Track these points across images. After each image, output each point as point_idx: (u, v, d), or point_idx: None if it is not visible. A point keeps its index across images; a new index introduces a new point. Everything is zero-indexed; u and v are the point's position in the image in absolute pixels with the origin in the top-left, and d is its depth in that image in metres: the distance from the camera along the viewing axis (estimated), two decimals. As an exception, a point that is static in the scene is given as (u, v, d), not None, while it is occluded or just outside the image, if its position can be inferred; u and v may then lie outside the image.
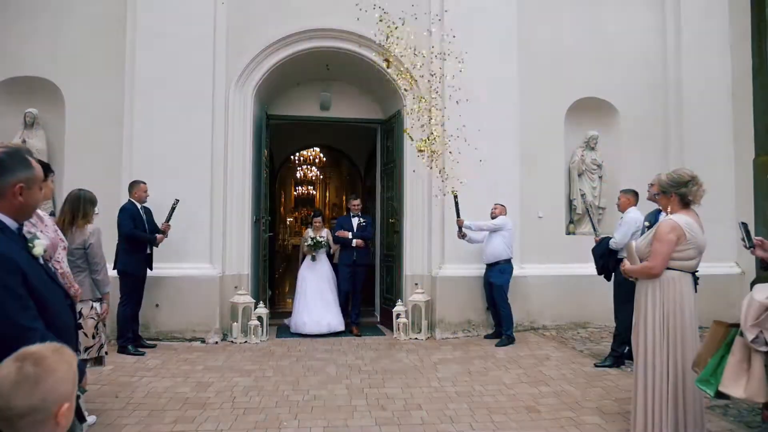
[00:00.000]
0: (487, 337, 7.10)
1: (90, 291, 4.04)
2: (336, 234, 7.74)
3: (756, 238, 3.42)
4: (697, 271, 3.71)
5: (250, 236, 7.46)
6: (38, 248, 1.96)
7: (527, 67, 7.70)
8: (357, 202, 8.02)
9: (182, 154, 6.90)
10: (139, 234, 6.31)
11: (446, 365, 5.82)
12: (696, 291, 3.69)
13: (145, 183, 6.54)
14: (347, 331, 7.41)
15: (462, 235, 7.05)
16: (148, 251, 6.49)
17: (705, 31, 8.20)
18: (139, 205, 6.46)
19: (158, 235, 6.47)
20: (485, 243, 7.02)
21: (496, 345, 6.70)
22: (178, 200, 6.50)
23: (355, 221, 7.78)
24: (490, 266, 7.00)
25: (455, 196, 6.84)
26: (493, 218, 7.05)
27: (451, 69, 7.40)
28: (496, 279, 6.91)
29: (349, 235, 7.62)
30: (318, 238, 7.71)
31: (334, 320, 7.38)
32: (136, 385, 4.99)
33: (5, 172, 1.87)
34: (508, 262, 6.94)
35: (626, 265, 3.77)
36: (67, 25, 7.18)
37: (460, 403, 4.59)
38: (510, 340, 6.77)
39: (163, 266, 6.71)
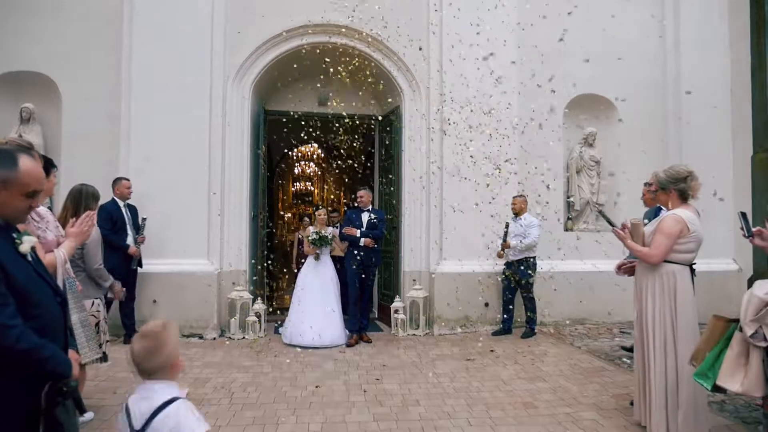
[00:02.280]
0: (494, 334, 7.06)
1: (91, 289, 4.02)
2: (343, 231, 6.90)
3: (755, 228, 3.43)
4: (694, 263, 3.76)
5: (248, 232, 7.45)
6: (25, 245, 1.93)
7: (526, 63, 7.69)
8: (363, 193, 6.98)
9: (180, 149, 6.88)
10: (112, 238, 6.11)
11: (444, 361, 5.83)
12: (693, 283, 3.75)
13: (128, 180, 6.48)
14: (360, 339, 6.71)
15: (501, 255, 7.05)
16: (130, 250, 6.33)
17: (704, 28, 8.21)
18: (121, 203, 6.37)
19: (132, 248, 6.30)
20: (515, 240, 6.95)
21: (522, 337, 6.84)
22: (145, 218, 6.43)
23: (365, 217, 6.86)
24: (517, 262, 6.94)
25: (507, 224, 6.98)
26: (515, 214, 7.04)
27: (448, 61, 7.42)
28: (527, 275, 6.90)
29: (357, 232, 6.75)
30: (322, 233, 6.79)
31: (337, 332, 6.56)
32: (134, 381, 4.97)
33: None
34: (534, 258, 7.00)
35: (628, 240, 3.77)
36: (64, 20, 7.14)
37: (458, 398, 4.59)
38: (534, 333, 6.96)
39: (160, 262, 6.70)
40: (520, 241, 6.83)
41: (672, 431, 3.53)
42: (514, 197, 7.13)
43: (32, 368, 1.83)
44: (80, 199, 4.10)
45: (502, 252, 7.01)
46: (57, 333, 1.98)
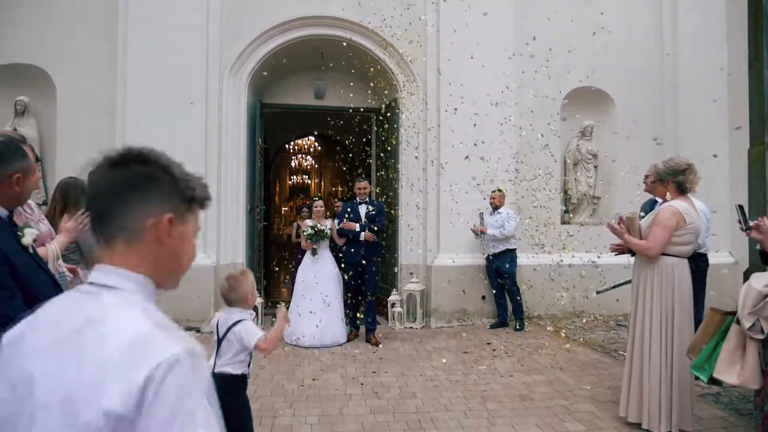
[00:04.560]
0: (491, 327, 7.07)
1: None
2: (340, 226, 6.48)
3: (752, 221, 3.40)
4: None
5: (245, 226, 7.43)
6: (27, 237, 1.95)
7: (523, 56, 7.67)
8: (364, 184, 6.63)
9: (175, 143, 6.69)
10: None
11: (441, 354, 5.84)
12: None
13: None
14: (367, 341, 6.35)
15: (479, 236, 7.14)
16: None
17: (701, 20, 8.18)
18: None
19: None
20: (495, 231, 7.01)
21: (515, 330, 6.86)
22: None
23: (362, 209, 6.49)
24: (498, 255, 7.00)
25: (481, 214, 7.10)
26: (494, 208, 7.07)
27: (445, 53, 7.39)
28: (509, 268, 6.96)
29: (357, 227, 6.38)
30: (318, 226, 6.40)
31: (338, 331, 6.25)
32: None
33: (2, 162, 1.89)
34: (513, 250, 7.03)
35: (625, 234, 3.75)
36: (58, 12, 7.08)
37: (455, 391, 4.61)
38: (523, 325, 6.97)
39: (157, 256, 6.68)
40: (500, 232, 6.88)
41: (667, 424, 3.53)
42: (492, 192, 7.15)
43: None
44: (69, 193, 4.05)
45: (479, 236, 7.13)
46: None
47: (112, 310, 0.97)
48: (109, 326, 0.94)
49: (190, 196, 1.08)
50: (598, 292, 5.76)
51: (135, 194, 1.03)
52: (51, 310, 1.05)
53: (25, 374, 0.96)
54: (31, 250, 1.99)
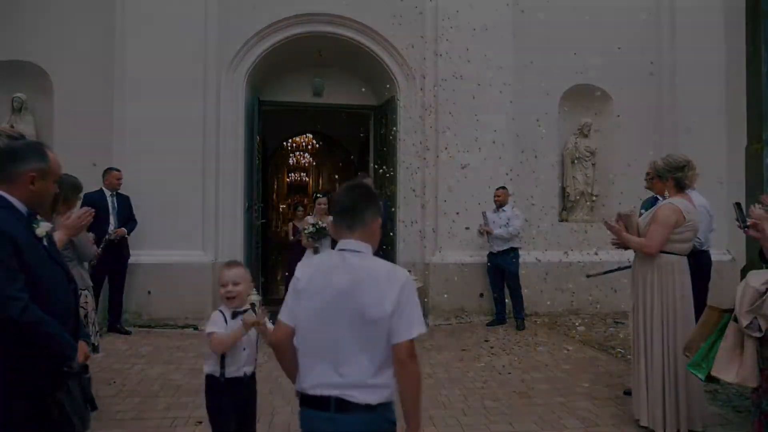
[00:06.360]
0: (489, 324, 7.04)
1: (80, 281, 3.98)
2: None
3: (751, 218, 3.36)
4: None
5: (243, 223, 7.42)
6: (41, 229, 2.02)
7: (521, 53, 7.66)
8: (368, 182, 6.50)
9: (173, 140, 6.82)
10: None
11: (439, 352, 5.84)
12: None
13: (118, 170, 6.42)
14: None
15: (485, 236, 7.09)
16: (109, 239, 6.02)
17: (699, 17, 8.15)
18: (108, 193, 6.30)
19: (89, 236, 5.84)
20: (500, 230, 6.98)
21: (517, 329, 6.78)
22: (110, 237, 6.08)
23: None
24: (502, 253, 6.95)
25: (484, 213, 7.02)
26: (498, 206, 7.02)
27: (443, 50, 7.38)
28: (513, 266, 6.93)
29: None
30: (321, 224, 6.15)
31: None
32: (129, 372, 4.98)
33: (18, 160, 1.98)
34: (517, 249, 7.02)
35: (623, 233, 3.74)
36: (55, 9, 7.04)
37: (452, 389, 4.61)
38: (523, 325, 6.90)
39: (155, 253, 6.67)
40: (507, 231, 6.84)
41: (672, 424, 3.51)
42: (496, 189, 7.11)
43: (36, 343, 1.87)
44: (60, 190, 4.02)
45: (485, 236, 7.04)
46: (67, 318, 2.04)
47: (368, 261, 1.93)
48: (372, 268, 1.91)
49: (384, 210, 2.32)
50: (588, 276, 5.74)
51: (365, 204, 1.98)
52: (324, 260, 2.05)
53: (325, 296, 1.89)
54: (45, 242, 2.04)
